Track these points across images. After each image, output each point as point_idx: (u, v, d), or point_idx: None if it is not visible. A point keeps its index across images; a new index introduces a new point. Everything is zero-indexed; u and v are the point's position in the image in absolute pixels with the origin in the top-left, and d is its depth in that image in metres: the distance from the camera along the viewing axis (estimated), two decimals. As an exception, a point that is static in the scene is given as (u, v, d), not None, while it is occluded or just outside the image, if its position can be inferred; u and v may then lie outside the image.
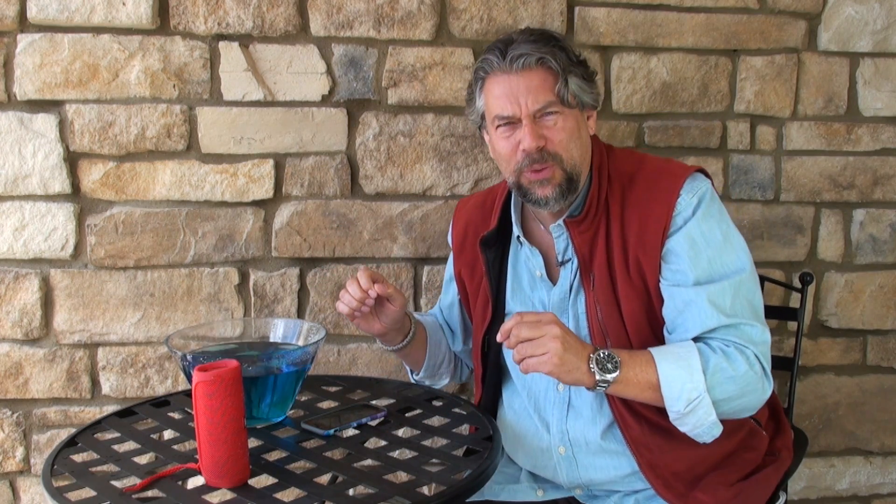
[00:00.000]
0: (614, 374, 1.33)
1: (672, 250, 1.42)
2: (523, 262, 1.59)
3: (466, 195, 2.01)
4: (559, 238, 1.52)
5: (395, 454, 1.40)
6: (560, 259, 1.53)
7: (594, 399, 1.50)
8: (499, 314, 1.61)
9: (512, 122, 1.45)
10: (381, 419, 1.52)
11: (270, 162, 1.95)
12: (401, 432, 1.49)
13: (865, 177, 2.14)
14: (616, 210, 1.47)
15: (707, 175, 1.49)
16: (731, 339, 1.38)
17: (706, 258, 1.41)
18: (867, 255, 2.17)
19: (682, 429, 1.38)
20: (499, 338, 1.33)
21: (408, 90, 1.97)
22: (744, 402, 1.39)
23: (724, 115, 2.08)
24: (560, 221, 1.50)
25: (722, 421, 1.41)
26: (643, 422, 1.45)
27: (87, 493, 1.25)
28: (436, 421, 1.54)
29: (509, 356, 1.58)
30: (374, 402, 1.60)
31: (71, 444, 1.44)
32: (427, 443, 1.44)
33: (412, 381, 1.82)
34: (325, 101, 1.95)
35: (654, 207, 1.43)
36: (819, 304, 2.18)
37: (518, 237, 1.58)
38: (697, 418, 1.35)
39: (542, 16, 1.97)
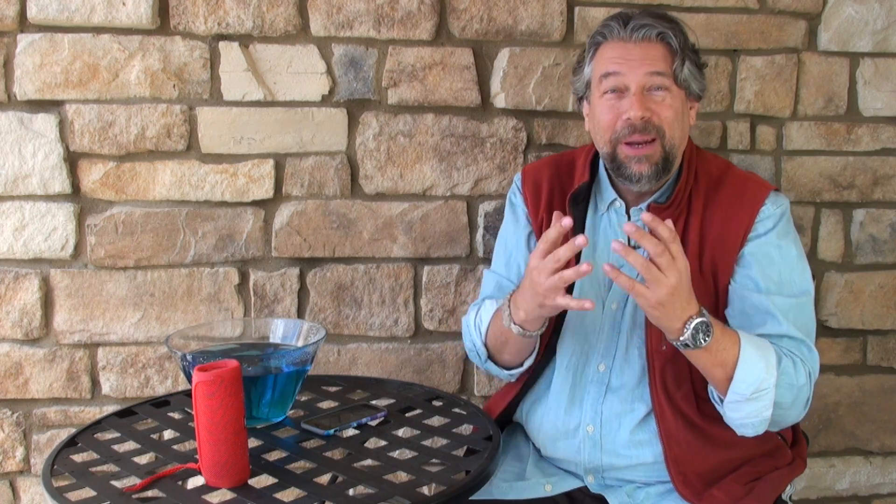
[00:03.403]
0: (701, 346, 1.31)
1: (747, 257, 1.44)
2: (602, 230, 1.57)
3: (466, 195, 2.02)
4: (636, 222, 1.51)
5: (395, 454, 1.40)
6: (633, 243, 1.52)
7: (637, 385, 1.49)
8: None
9: (619, 91, 1.45)
10: (381, 419, 1.52)
11: (270, 162, 1.95)
12: (401, 432, 1.49)
13: (865, 177, 2.14)
14: (698, 207, 1.48)
15: (785, 196, 1.53)
16: (795, 353, 1.39)
17: (777, 272, 1.43)
18: (867, 255, 2.17)
19: (731, 414, 1.38)
20: (626, 227, 1.24)
21: (408, 90, 1.97)
22: (786, 413, 1.40)
23: (724, 114, 2.08)
24: (642, 206, 1.50)
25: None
26: (679, 416, 1.46)
27: (87, 493, 1.25)
28: (436, 421, 1.54)
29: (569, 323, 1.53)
30: (374, 402, 1.60)
31: (71, 444, 1.44)
32: (427, 443, 1.45)
33: (511, 379, 1.63)
34: (325, 101, 1.95)
35: (737, 212, 1.45)
36: (819, 304, 2.18)
37: (613, 201, 1.55)
38: (755, 408, 1.35)
39: (542, 16, 1.97)
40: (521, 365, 1.56)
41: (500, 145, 2.01)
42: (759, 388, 1.34)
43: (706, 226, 1.47)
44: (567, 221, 1.29)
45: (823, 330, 2.19)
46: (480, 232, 2.03)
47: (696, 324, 1.30)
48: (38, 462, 1.98)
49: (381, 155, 1.98)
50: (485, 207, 2.03)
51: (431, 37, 1.96)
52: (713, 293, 1.46)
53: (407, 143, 1.99)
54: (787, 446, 1.58)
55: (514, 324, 1.42)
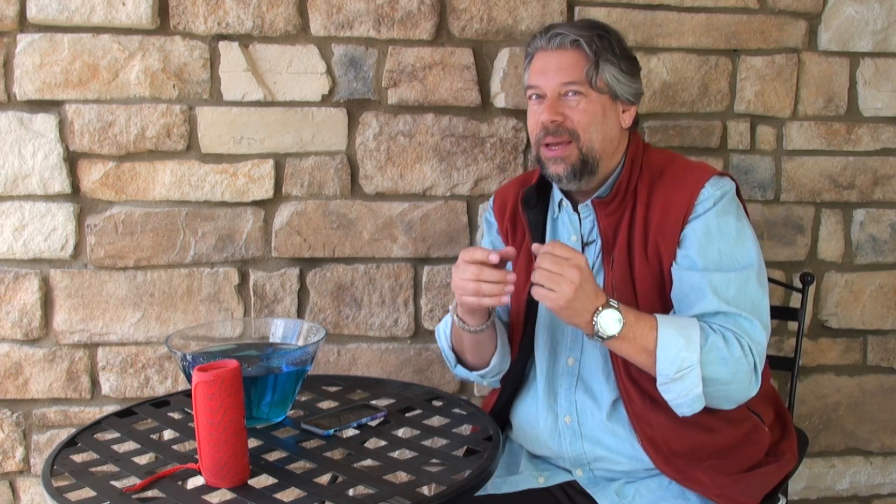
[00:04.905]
0: (614, 332, 1.37)
1: (687, 236, 1.48)
2: (559, 230, 1.63)
3: (466, 195, 2.02)
4: (586, 219, 1.58)
5: (395, 454, 1.40)
6: (585, 239, 1.58)
7: (602, 372, 1.53)
8: None
9: (540, 96, 1.52)
10: (381, 419, 1.52)
11: (270, 162, 1.95)
12: (401, 432, 1.49)
13: (865, 177, 2.14)
14: (643, 197, 1.53)
15: (734, 180, 1.55)
16: (729, 327, 1.41)
17: (717, 249, 1.45)
18: (867, 255, 2.17)
19: (666, 396, 1.41)
20: (532, 248, 1.39)
21: (408, 90, 1.97)
22: (730, 389, 1.42)
23: (724, 115, 2.08)
24: (588, 202, 1.56)
25: (725, 412, 1.45)
26: (647, 398, 1.48)
27: (87, 493, 1.24)
28: (436, 421, 1.54)
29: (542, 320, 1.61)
30: (374, 402, 1.60)
31: (71, 444, 1.43)
32: (427, 443, 1.44)
33: (482, 382, 1.67)
34: (325, 101, 1.95)
35: (677, 196, 1.49)
36: (819, 304, 2.18)
37: (560, 201, 1.61)
38: (683, 387, 1.38)
39: (542, 16, 1.97)
40: (488, 365, 1.60)
41: (500, 145, 2.01)
42: (681, 367, 1.37)
43: (650, 213, 1.51)
44: (494, 257, 1.37)
45: (823, 330, 2.19)
46: (480, 232, 2.03)
47: (604, 313, 1.36)
48: (38, 462, 1.98)
49: (381, 155, 1.98)
50: (485, 207, 2.03)
51: (431, 37, 1.96)
52: (658, 277, 1.50)
53: (407, 143, 1.99)
54: (764, 425, 1.59)
55: (457, 316, 1.51)
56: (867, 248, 2.17)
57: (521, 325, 1.62)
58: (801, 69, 2.08)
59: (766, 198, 2.11)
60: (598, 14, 1.98)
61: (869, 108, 2.11)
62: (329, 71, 1.94)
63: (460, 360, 1.66)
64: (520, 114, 2.01)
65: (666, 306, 1.50)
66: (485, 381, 1.66)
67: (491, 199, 1.76)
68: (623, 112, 1.55)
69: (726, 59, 2.06)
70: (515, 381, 1.64)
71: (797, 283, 1.90)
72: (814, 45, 2.08)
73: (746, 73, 2.06)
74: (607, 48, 1.51)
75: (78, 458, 1.39)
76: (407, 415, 1.57)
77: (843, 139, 2.11)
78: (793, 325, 1.93)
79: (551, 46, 1.51)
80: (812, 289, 1.99)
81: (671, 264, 1.48)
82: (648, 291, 1.49)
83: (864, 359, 2.22)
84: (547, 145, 1.50)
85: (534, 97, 1.54)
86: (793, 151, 2.11)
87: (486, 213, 1.77)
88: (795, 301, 1.93)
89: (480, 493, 1.51)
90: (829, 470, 2.27)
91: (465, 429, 1.55)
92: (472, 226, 2.03)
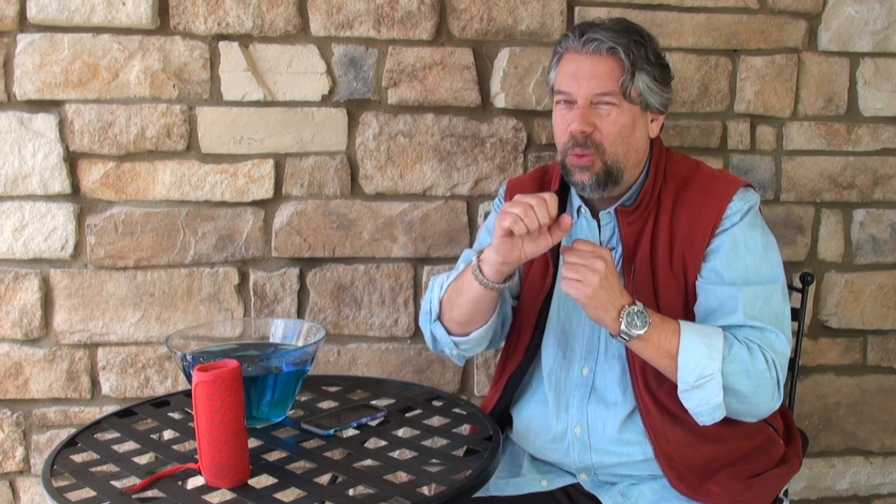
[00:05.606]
0: (640, 332, 1.36)
1: (714, 250, 1.47)
2: (577, 234, 1.59)
3: (466, 195, 2.02)
4: (606, 226, 1.56)
5: (395, 454, 1.40)
6: (605, 247, 1.54)
7: (619, 384, 1.52)
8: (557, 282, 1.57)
9: (570, 102, 1.48)
10: (381, 419, 1.52)
11: (270, 162, 1.95)
12: (401, 432, 1.49)
13: (865, 177, 2.14)
14: (667, 206, 1.51)
15: (756, 191, 1.54)
16: (754, 340, 1.41)
17: (744, 264, 1.45)
18: (867, 255, 2.17)
19: (687, 404, 1.40)
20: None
21: (408, 90, 1.97)
22: (752, 403, 1.41)
23: (724, 115, 2.08)
24: (611, 209, 1.54)
25: (742, 423, 1.45)
26: (665, 412, 1.47)
27: (87, 493, 1.25)
28: (436, 421, 1.54)
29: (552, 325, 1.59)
30: (374, 402, 1.60)
31: (71, 444, 1.44)
32: (427, 443, 1.45)
33: (451, 350, 1.61)
34: (325, 101, 1.95)
35: (705, 208, 1.48)
36: (819, 304, 2.18)
37: (579, 207, 1.59)
38: (704, 395, 1.37)
39: (542, 16, 1.97)
40: (468, 334, 1.54)
41: (500, 145, 2.01)
42: (701, 375, 1.36)
43: (675, 224, 1.49)
44: (554, 207, 1.33)
45: (823, 330, 2.19)
46: (486, 220, 2.03)
47: (629, 311, 1.36)
48: (38, 462, 1.98)
49: (381, 155, 1.98)
50: (485, 207, 2.03)
51: (431, 37, 1.96)
52: (683, 289, 1.49)
53: (407, 143, 1.99)
54: (779, 436, 1.59)
55: (478, 266, 1.43)
56: (867, 248, 2.17)
57: (530, 327, 1.59)
58: (801, 69, 2.08)
59: (766, 198, 2.11)
60: (598, 14, 1.97)
61: (869, 108, 2.11)
62: (329, 71, 1.94)
63: (440, 318, 1.57)
64: (520, 114, 2.01)
65: (688, 318, 1.48)
66: (454, 351, 1.59)
67: (501, 189, 1.73)
68: (651, 122, 1.52)
69: (726, 59, 2.06)
70: (518, 383, 1.63)
71: (797, 283, 1.90)
72: (814, 45, 2.08)
73: (746, 73, 2.06)
74: (643, 56, 1.46)
75: (78, 458, 1.39)
76: (407, 415, 1.57)
77: (843, 139, 2.11)
78: (793, 325, 1.92)
79: (585, 51, 1.46)
80: (812, 289, 1.99)
81: (696, 277, 1.47)
82: (672, 302, 1.48)
83: (864, 359, 2.22)
84: (574, 154, 1.47)
85: (562, 102, 1.50)
86: (793, 151, 2.11)
87: (499, 200, 1.73)
88: (795, 301, 1.93)
89: (483, 494, 1.52)
90: (829, 470, 2.27)
91: (465, 429, 1.55)
92: (472, 226, 2.03)
